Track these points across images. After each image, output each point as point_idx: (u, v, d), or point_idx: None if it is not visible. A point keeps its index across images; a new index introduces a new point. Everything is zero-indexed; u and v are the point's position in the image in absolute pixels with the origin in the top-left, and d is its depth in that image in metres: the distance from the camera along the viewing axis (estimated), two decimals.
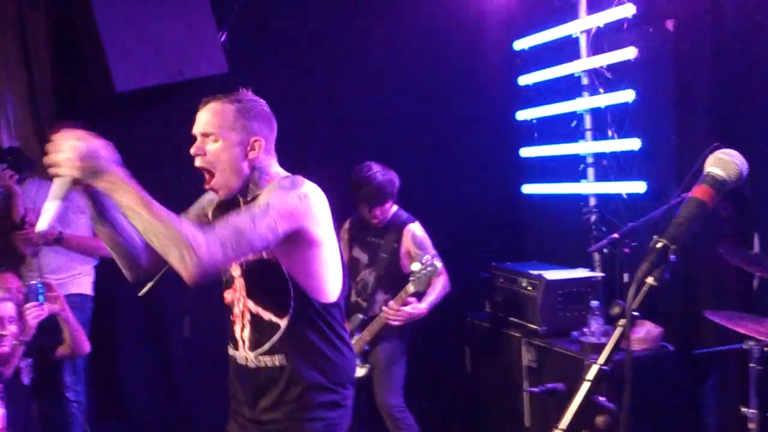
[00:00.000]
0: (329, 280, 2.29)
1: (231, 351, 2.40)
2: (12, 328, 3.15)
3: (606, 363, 1.45)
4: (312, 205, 2.18)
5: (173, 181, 4.64)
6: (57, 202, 1.96)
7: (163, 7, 4.06)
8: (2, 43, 4.55)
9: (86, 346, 3.57)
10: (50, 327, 3.52)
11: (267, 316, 2.26)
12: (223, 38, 4.26)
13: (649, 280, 1.45)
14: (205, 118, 2.22)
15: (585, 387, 1.41)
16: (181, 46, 4.09)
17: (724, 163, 1.53)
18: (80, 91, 4.58)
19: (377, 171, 4.15)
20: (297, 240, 2.17)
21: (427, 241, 4.18)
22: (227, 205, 2.32)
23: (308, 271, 2.23)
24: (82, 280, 4.35)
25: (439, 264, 3.89)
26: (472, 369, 4.83)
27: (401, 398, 4.24)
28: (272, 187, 2.18)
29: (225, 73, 4.22)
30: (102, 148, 1.97)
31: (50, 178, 4.39)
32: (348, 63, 5.08)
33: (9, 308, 3.15)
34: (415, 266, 3.93)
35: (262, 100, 2.32)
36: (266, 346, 2.27)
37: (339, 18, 5.04)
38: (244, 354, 2.34)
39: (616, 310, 1.45)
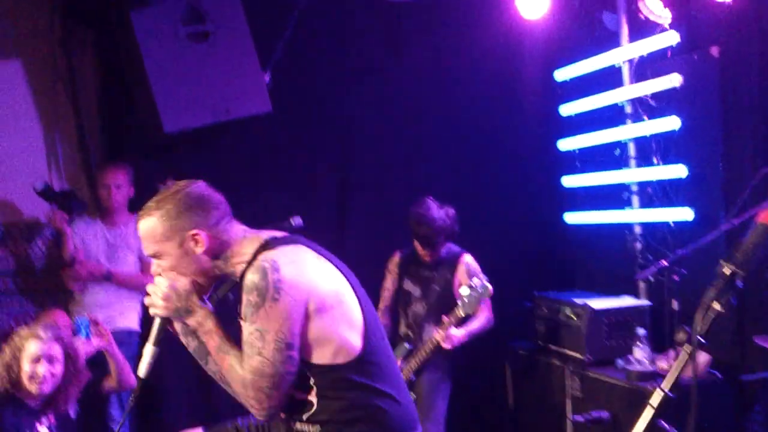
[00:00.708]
0: (347, 336, 2.10)
1: None
2: (57, 369, 3.17)
3: (671, 389, 1.43)
4: (292, 289, 2.00)
5: None
6: (155, 348, 2.15)
7: (208, 49, 4.15)
8: (51, 88, 4.70)
9: (132, 380, 3.59)
10: (97, 362, 3.56)
11: (297, 395, 2.13)
12: (267, 78, 4.34)
13: (716, 305, 1.43)
14: (142, 240, 2.14)
15: (649, 412, 1.39)
16: (226, 86, 4.17)
17: None
18: (128, 134, 4.70)
19: (438, 214, 4.11)
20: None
21: (479, 272, 4.18)
22: (236, 295, 2.21)
23: (320, 342, 2.06)
24: (129, 315, 4.42)
25: (489, 285, 3.88)
26: (514, 399, 4.78)
27: (443, 429, 4.20)
28: (247, 308, 2.02)
29: (269, 112, 4.29)
30: (190, 285, 2.12)
31: (97, 218, 4.49)
32: (389, 98, 5.13)
33: (56, 350, 3.18)
34: (464, 290, 3.92)
35: (187, 187, 2.13)
36: (303, 417, 2.15)
37: (379, 54, 5.12)
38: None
39: (681, 335, 1.44)
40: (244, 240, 2.13)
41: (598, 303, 4.19)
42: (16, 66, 4.65)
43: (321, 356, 2.07)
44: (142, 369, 2.14)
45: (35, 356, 3.12)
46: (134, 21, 3.95)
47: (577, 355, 4.15)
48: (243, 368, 2.03)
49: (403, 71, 5.13)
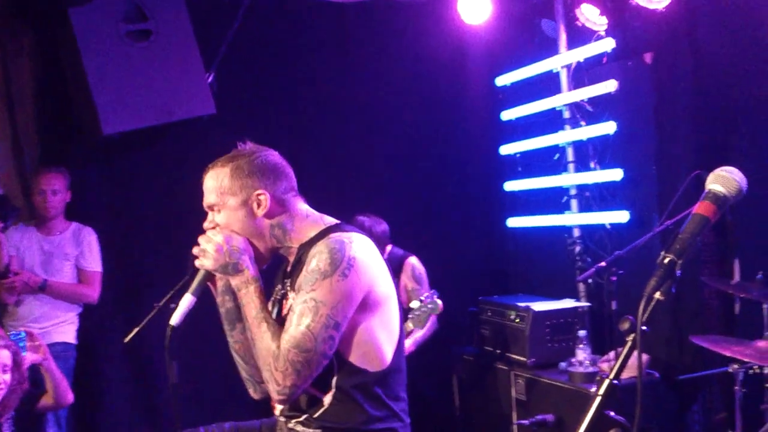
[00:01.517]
0: (383, 344, 2.06)
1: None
2: (6, 377, 3.06)
3: (616, 377, 1.47)
4: (361, 272, 1.99)
5: (162, 223, 4.65)
6: (193, 297, 2.08)
7: (150, 48, 4.07)
8: None
9: (69, 397, 3.44)
10: (32, 377, 3.40)
11: (310, 390, 2.06)
12: (210, 79, 4.29)
13: (657, 295, 1.48)
14: (206, 190, 2.13)
15: (597, 402, 1.43)
16: (169, 87, 4.10)
17: (724, 179, 1.59)
18: (66, 137, 4.57)
19: (369, 226, 4.12)
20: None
21: (424, 276, 4.20)
22: (284, 269, 2.23)
23: (359, 340, 2.03)
24: (65, 329, 4.27)
25: (439, 301, 3.88)
26: (461, 405, 4.81)
27: None
28: (312, 274, 1.98)
29: (213, 113, 4.24)
30: (244, 244, 2.07)
31: (33, 225, 4.34)
32: (333, 103, 5.14)
33: (4, 356, 3.07)
34: (414, 304, 3.90)
35: (263, 151, 2.17)
36: (302, 418, 2.11)
37: (324, 58, 5.12)
38: (278, 414, 2.23)
39: (625, 325, 1.48)
40: (308, 219, 2.14)
41: (540, 306, 4.27)
42: None
43: (356, 356, 2.03)
44: (176, 317, 2.05)
45: None
46: (73, 19, 3.86)
47: (521, 359, 4.21)
48: (277, 339, 1.97)
49: (348, 73, 5.14)
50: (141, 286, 4.58)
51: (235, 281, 2.06)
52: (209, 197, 2.11)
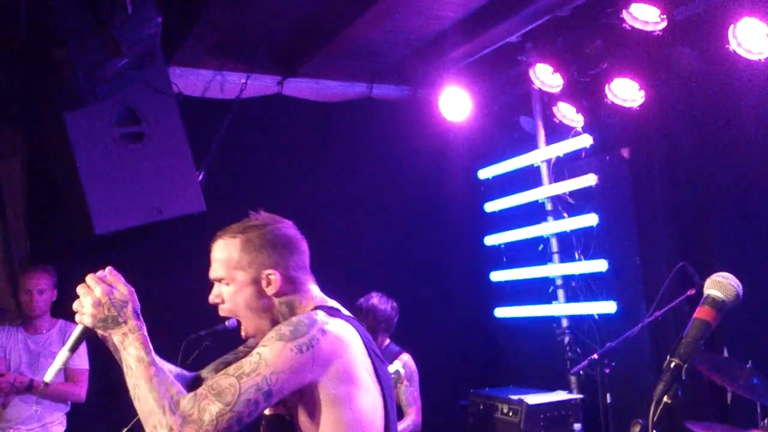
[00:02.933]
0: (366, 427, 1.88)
1: None
2: None
3: None
4: (323, 353, 1.81)
5: (152, 319, 4.60)
6: (69, 353, 1.90)
7: (142, 149, 4.14)
8: None
9: None
10: None
11: None
12: (200, 177, 4.36)
13: (665, 398, 1.51)
14: (213, 261, 1.99)
15: None
16: (159, 186, 4.14)
17: (721, 286, 1.65)
18: (55, 236, 4.58)
19: (382, 305, 4.16)
20: (311, 396, 1.85)
21: (416, 375, 4.16)
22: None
23: (342, 419, 1.85)
24: (53, 429, 4.17)
25: (402, 371, 3.86)
26: None
27: None
28: (272, 333, 1.84)
29: (203, 210, 4.29)
30: (129, 296, 1.88)
31: (19, 324, 4.26)
32: (318, 199, 5.22)
33: None
34: (392, 367, 3.90)
35: (277, 223, 2.04)
36: None
37: (309, 156, 5.25)
38: None
39: (636, 429, 1.50)
40: (314, 300, 1.99)
41: (533, 398, 4.25)
42: None
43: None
44: (50, 373, 1.87)
45: None
46: (68, 122, 3.93)
47: None
48: (173, 386, 1.77)
49: (333, 170, 5.27)
50: None
51: (116, 336, 1.83)
52: (217, 270, 1.98)
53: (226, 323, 3.68)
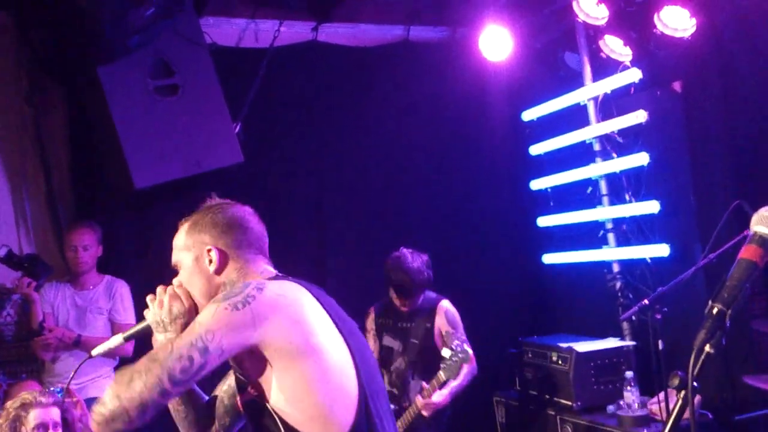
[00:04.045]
0: (332, 406, 1.76)
1: None
2: None
3: None
4: (262, 308, 1.75)
5: None
6: (122, 341, 2.09)
7: (177, 102, 4.12)
8: (20, 149, 4.63)
9: None
10: None
11: None
12: (237, 129, 4.32)
13: (707, 348, 1.38)
14: (173, 245, 2.05)
15: None
16: (196, 138, 4.13)
17: None
18: (98, 191, 4.63)
19: (414, 261, 4.00)
20: (266, 361, 1.77)
21: (458, 318, 4.08)
22: None
23: (296, 400, 1.75)
24: (101, 383, 4.25)
25: (469, 350, 3.74)
26: None
27: None
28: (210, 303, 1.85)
29: (240, 162, 4.26)
30: (184, 311, 1.98)
31: (66, 281, 4.36)
32: (358, 146, 5.15)
33: (54, 414, 3.07)
34: (446, 352, 3.77)
35: (227, 206, 2.04)
36: None
37: (347, 103, 5.15)
38: None
39: (675, 381, 1.38)
40: (261, 272, 1.96)
41: (584, 346, 4.14)
42: None
43: (302, 420, 1.76)
44: (99, 349, 2.07)
45: (41, 424, 3.00)
46: (102, 76, 3.92)
47: (567, 402, 4.07)
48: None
49: (374, 116, 5.16)
50: None
51: (160, 338, 2.00)
52: (173, 257, 2.04)
53: None
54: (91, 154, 4.56)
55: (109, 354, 2.10)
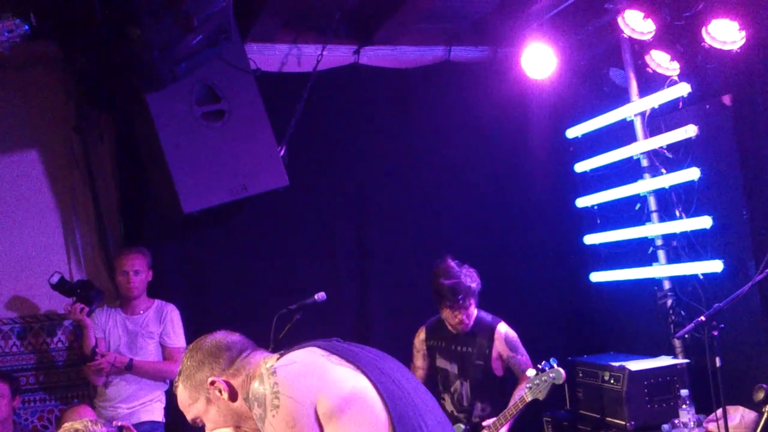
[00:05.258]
0: None
1: None
2: None
3: None
4: (292, 388, 1.83)
5: (242, 296, 4.68)
6: None
7: (224, 127, 4.18)
8: (69, 176, 4.73)
9: None
10: None
11: None
12: (282, 152, 4.36)
13: None
14: (185, 413, 2.10)
15: None
16: (242, 163, 4.18)
17: None
18: (146, 217, 4.69)
19: (462, 268, 3.95)
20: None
21: (518, 341, 4.02)
22: None
23: None
24: (153, 407, 4.30)
25: (562, 370, 3.67)
26: None
27: None
28: (255, 418, 1.90)
29: (286, 185, 4.29)
30: None
31: (117, 306, 4.42)
32: (401, 166, 5.15)
33: None
34: (530, 372, 3.72)
35: (197, 345, 2.08)
36: None
37: (390, 124, 5.16)
38: None
39: (761, 395, 1.34)
40: (257, 368, 2.00)
41: (636, 365, 4.07)
42: (32, 154, 4.70)
43: None
44: None
45: None
46: (150, 103, 3.99)
47: (620, 422, 3.99)
48: None
49: (416, 137, 5.17)
50: None
51: None
52: (189, 415, 2.08)
53: (316, 296, 3.68)
54: (139, 180, 4.63)
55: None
